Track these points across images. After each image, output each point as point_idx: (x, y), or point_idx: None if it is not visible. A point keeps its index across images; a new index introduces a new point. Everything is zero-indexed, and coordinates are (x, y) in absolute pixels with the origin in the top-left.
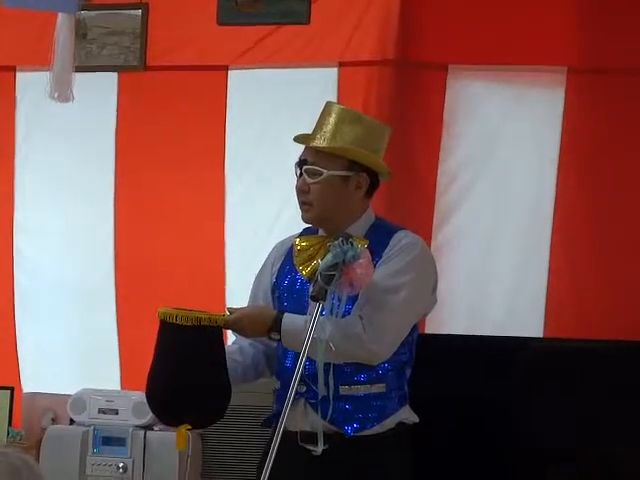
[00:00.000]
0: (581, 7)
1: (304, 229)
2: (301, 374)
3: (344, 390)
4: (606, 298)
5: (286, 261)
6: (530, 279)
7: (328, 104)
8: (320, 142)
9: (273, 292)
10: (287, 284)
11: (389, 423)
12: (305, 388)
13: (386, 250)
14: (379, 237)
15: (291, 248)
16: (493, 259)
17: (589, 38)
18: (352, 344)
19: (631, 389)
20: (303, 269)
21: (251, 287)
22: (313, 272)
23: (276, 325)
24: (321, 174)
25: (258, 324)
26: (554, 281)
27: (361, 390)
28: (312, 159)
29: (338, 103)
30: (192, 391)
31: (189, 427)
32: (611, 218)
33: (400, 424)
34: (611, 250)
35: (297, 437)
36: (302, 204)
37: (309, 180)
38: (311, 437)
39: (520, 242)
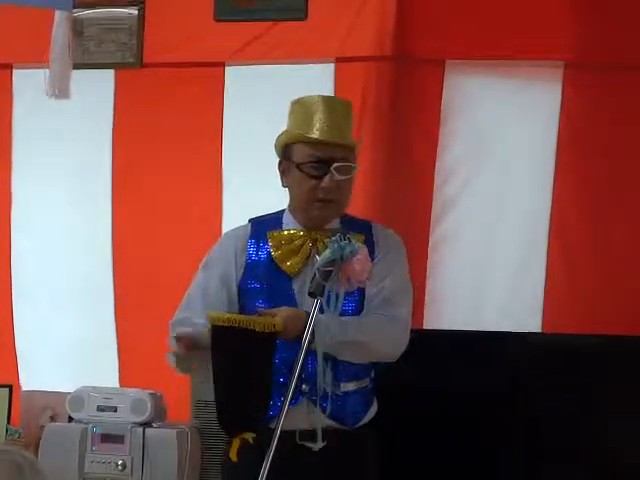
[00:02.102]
0: (579, 2)
1: (254, 220)
2: (304, 374)
3: (343, 387)
4: (604, 294)
5: (258, 259)
6: (528, 275)
7: (326, 100)
8: (342, 136)
9: (241, 296)
10: (264, 285)
11: (370, 414)
12: (308, 388)
13: (376, 248)
14: (357, 232)
15: (257, 242)
16: (491, 255)
17: (587, 33)
18: (389, 345)
19: (630, 384)
20: (291, 265)
21: (197, 276)
22: (297, 269)
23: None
24: (352, 170)
25: (299, 326)
26: (552, 277)
27: (354, 386)
28: (341, 155)
29: (330, 96)
30: (261, 397)
31: (253, 435)
32: (609, 214)
33: (374, 415)
34: (609, 246)
35: (295, 436)
36: (321, 202)
37: (339, 177)
38: (310, 434)
39: (518, 238)
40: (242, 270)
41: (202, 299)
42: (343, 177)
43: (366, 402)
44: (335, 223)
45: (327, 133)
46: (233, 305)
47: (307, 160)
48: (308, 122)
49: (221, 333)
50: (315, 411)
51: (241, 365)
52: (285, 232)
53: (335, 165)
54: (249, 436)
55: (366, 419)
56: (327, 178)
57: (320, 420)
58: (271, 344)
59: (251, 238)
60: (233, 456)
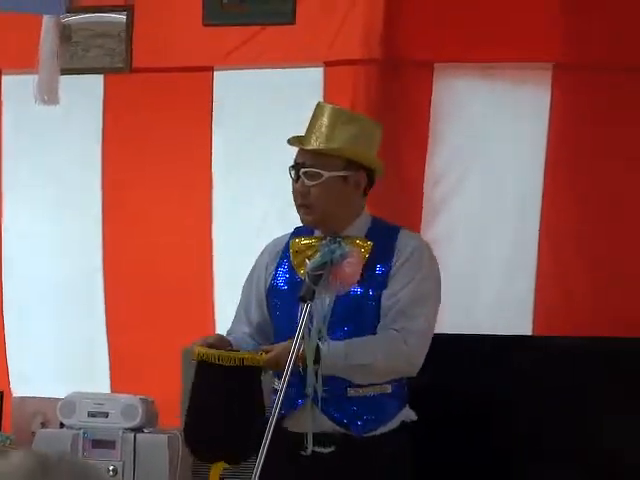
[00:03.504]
0: (567, 4)
1: (296, 228)
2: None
3: (352, 391)
4: (594, 295)
5: (282, 263)
6: (518, 277)
7: (320, 105)
8: (316, 144)
9: (268, 296)
10: (287, 287)
11: (393, 423)
12: (311, 394)
13: (396, 254)
14: (381, 238)
15: (286, 249)
16: (481, 257)
17: (575, 35)
18: (397, 363)
19: (619, 386)
20: (304, 273)
21: (242, 290)
22: None
23: (317, 355)
24: (321, 176)
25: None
26: (542, 279)
27: (369, 391)
28: (310, 161)
29: (329, 103)
30: (236, 429)
31: (226, 466)
32: (599, 215)
33: (402, 423)
34: (599, 247)
35: (304, 439)
36: (301, 207)
37: (308, 183)
38: (319, 438)
39: (508, 240)
40: (270, 278)
41: (245, 310)
42: (311, 183)
43: (385, 408)
44: (362, 228)
45: (298, 138)
46: (264, 313)
47: (290, 165)
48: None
49: (203, 368)
50: (318, 414)
51: (221, 399)
52: (304, 239)
53: (302, 170)
54: (220, 466)
55: (384, 428)
56: (299, 182)
57: (324, 424)
58: (251, 377)
59: (287, 247)
60: None
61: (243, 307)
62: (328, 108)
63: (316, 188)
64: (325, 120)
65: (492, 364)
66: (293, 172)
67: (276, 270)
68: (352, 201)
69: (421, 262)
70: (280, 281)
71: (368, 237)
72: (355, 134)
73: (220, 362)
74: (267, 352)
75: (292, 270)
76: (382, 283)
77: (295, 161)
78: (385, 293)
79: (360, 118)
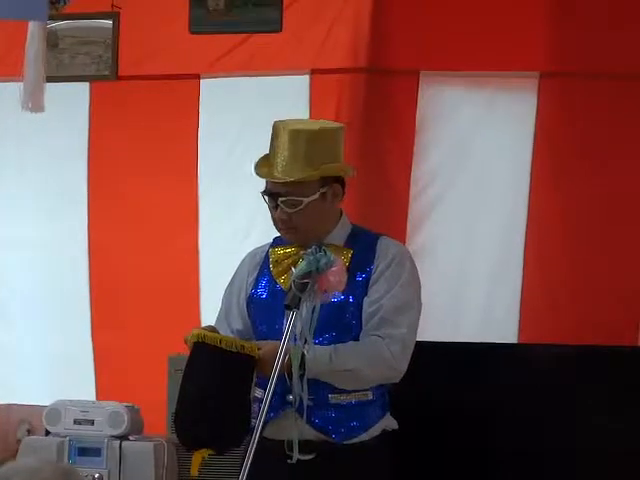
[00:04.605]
0: (552, 13)
1: (275, 238)
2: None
3: (333, 398)
4: (580, 303)
5: (263, 272)
6: (504, 285)
7: (277, 126)
8: (286, 173)
9: (249, 305)
10: (266, 296)
11: (374, 431)
12: (294, 399)
13: (376, 261)
14: (361, 245)
15: (266, 259)
16: (467, 265)
17: (560, 44)
18: (381, 368)
19: (605, 392)
20: (284, 281)
21: (222, 299)
22: None
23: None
24: (301, 203)
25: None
26: (528, 287)
27: (350, 398)
28: (285, 190)
29: (285, 120)
30: (224, 415)
31: (211, 452)
32: (585, 223)
33: (384, 431)
34: (585, 255)
35: (285, 446)
36: (283, 230)
37: (289, 210)
38: (300, 445)
39: (494, 248)
40: (250, 287)
41: (226, 318)
42: (291, 210)
43: (366, 416)
44: (342, 235)
45: (265, 167)
46: (246, 321)
47: (262, 191)
48: (268, 153)
49: (201, 350)
50: (299, 422)
51: (216, 382)
52: (283, 249)
53: (280, 199)
54: (205, 453)
55: (365, 436)
56: (278, 211)
57: (305, 431)
58: (247, 367)
59: (267, 255)
60: (193, 471)
61: (224, 315)
62: (287, 129)
63: (297, 214)
64: (288, 144)
65: (477, 372)
66: (268, 199)
67: (256, 280)
68: (331, 212)
69: (402, 269)
70: (260, 291)
71: (347, 244)
72: (320, 148)
73: (220, 345)
74: (259, 348)
75: (272, 279)
76: (362, 290)
77: (269, 190)
78: (367, 300)
79: (320, 129)
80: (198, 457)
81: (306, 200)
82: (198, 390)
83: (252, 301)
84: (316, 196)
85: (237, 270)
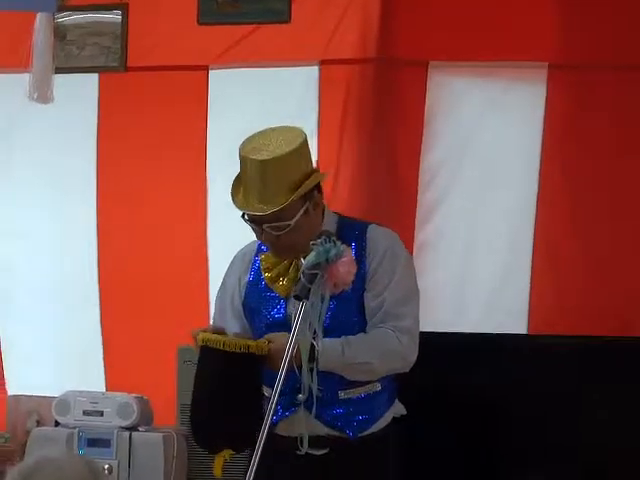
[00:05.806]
0: (562, 3)
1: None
2: (299, 384)
3: (343, 394)
4: (589, 295)
5: (255, 276)
6: (513, 276)
7: (244, 157)
8: (266, 202)
9: (245, 306)
10: (256, 298)
11: (384, 420)
12: (305, 397)
13: (368, 255)
14: (350, 238)
15: (256, 261)
16: (476, 257)
17: (570, 34)
18: (393, 359)
19: (614, 384)
20: (276, 288)
21: (215, 301)
22: (289, 291)
23: (312, 354)
24: (288, 225)
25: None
26: (537, 278)
27: (359, 392)
28: (268, 218)
29: (248, 145)
30: (237, 416)
31: (232, 453)
32: (594, 215)
33: (393, 419)
34: (595, 247)
35: (298, 442)
36: (274, 250)
37: (276, 233)
38: (313, 441)
39: (503, 239)
40: (244, 289)
41: (221, 320)
42: (278, 233)
43: (374, 408)
44: (330, 226)
45: (244, 200)
46: (243, 321)
47: (244, 217)
48: (241, 180)
49: (207, 353)
50: (311, 419)
51: (223, 385)
52: (267, 256)
53: (265, 226)
54: (227, 454)
55: (376, 426)
56: (264, 235)
57: (317, 428)
58: (253, 365)
59: (256, 255)
60: (217, 472)
61: (218, 318)
62: (255, 162)
63: (286, 235)
64: (259, 175)
65: (486, 362)
66: (252, 225)
67: (250, 284)
68: (316, 220)
69: (397, 260)
70: (255, 296)
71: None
72: (295, 170)
73: (224, 348)
74: (270, 341)
75: (265, 285)
76: (359, 283)
77: (251, 218)
78: (368, 295)
79: (288, 153)
80: (220, 460)
81: (292, 221)
82: (208, 396)
83: (247, 305)
84: (301, 213)
85: (227, 272)
